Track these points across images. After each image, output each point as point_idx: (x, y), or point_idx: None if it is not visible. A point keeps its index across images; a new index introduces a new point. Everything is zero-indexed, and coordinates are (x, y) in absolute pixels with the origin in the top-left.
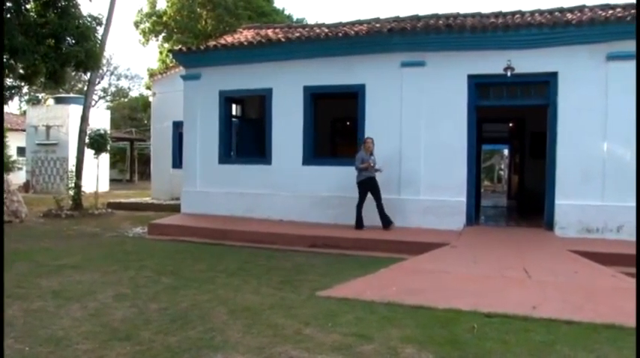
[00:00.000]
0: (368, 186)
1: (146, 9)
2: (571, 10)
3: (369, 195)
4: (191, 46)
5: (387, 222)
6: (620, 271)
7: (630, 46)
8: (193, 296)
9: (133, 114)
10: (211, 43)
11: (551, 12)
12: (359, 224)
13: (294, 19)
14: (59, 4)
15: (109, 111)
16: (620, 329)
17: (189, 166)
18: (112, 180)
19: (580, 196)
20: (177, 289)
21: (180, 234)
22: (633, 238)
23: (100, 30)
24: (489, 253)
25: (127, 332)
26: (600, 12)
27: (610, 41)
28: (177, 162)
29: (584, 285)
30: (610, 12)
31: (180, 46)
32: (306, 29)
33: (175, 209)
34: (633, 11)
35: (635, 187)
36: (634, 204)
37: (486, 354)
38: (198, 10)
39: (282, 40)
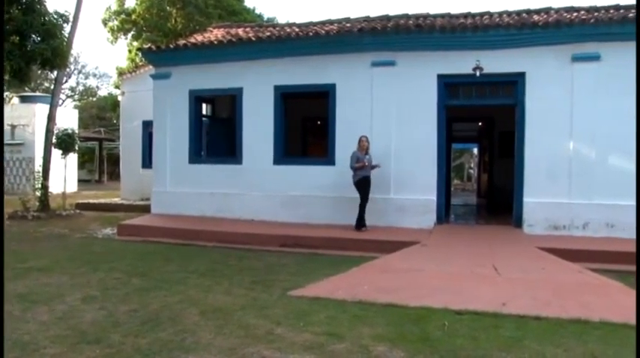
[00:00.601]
0: (364, 185)
1: (114, 6)
2: (537, 12)
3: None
4: (161, 44)
5: (361, 224)
6: (586, 267)
7: (594, 47)
8: (164, 297)
9: (101, 114)
10: (181, 41)
11: (518, 13)
12: (361, 223)
13: (265, 19)
14: (24, 0)
15: (76, 111)
16: (585, 324)
17: (159, 166)
18: (81, 181)
19: (547, 194)
20: (148, 290)
21: (150, 235)
22: (598, 235)
23: (67, 27)
24: (460, 251)
25: (96, 335)
26: (565, 14)
27: (575, 43)
28: (147, 162)
29: (552, 281)
30: (574, 14)
31: (149, 45)
32: (277, 28)
33: (145, 209)
34: (596, 14)
35: (636, 187)
36: (599, 201)
37: (457, 351)
38: (168, 8)
39: (253, 39)
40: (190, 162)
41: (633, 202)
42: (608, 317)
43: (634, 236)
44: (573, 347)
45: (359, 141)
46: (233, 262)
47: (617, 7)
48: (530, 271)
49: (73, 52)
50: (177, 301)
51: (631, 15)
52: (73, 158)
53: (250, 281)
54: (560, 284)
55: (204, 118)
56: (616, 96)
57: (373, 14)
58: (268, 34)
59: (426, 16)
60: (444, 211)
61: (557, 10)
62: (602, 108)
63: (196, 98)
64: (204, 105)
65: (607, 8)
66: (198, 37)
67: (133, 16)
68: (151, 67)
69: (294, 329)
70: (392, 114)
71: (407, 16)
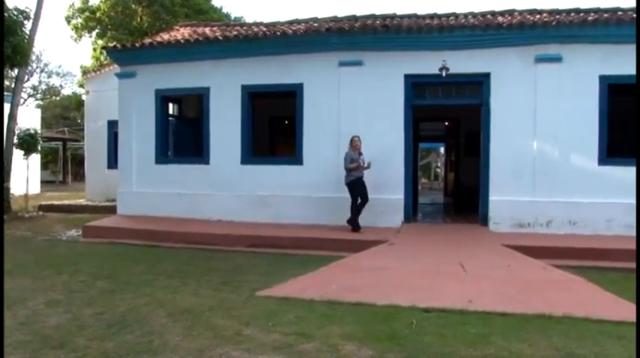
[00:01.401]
0: (358, 186)
1: (78, 4)
2: (502, 13)
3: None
4: (126, 43)
5: (355, 225)
6: (550, 263)
7: (556, 49)
8: (130, 299)
9: (65, 113)
10: (147, 40)
11: (483, 15)
12: (355, 225)
13: (232, 18)
14: None
15: (39, 110)
16: (549, 319)
17: (125, 166)
18: (44, 182)
19: (512, 192)
20: (114, 293)
21: (116, 237)
22: (561, 232)
23: (28, 24)
24: (427, 249)
25: (61, 339)
26: (528, 16)
27: (538, 44)
28: (113, 162)
29: (517, 278)
30: (537, 16)
31: (114, 43)
32: (244, 28)
33: (111, 210)
34: (558, 16)
35: (636, 187)
36: (562, 199)
37: (425, 348)
38: (134, 6)
39: (220, 38)
40: (157, 162)
41: (594, 199)
42: (570, 311)
43: (594, 232)
44: (538, 341)
45: (351, 141)
46: (201, 263)
47: (577, 11)
48: (496, 268)
49: (35, 49)
50: (144, 303)
51: (590, 18)
52: (35, 158)
53: (218, 282)
54: (525, 280)
55: (170, 118)
56: (577, 96)
57: (340, 14)
58: (235, 33)
59: (392, 17)
60: (412, 210)
61: (521, 12)
62: (564, 108)
63: (163, 97)
64: (170, 105)
65: (568, 11)
66: (165, 36)
67: (98, 14)
68: (116, 65)
69: (262, 329)
70: (359, 114)
71: (374, 17)
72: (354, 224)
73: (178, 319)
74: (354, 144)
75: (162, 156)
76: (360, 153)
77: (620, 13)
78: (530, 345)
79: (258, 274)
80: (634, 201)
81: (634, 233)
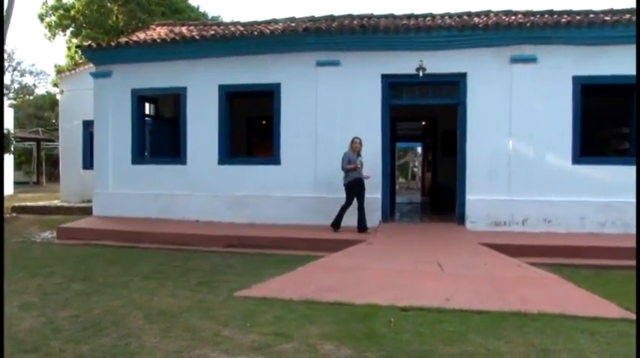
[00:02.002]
0: (356, 188)
1: (51, 1)
2: (478, 14)
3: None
4: (101, 42)
5: (363, 226)
6: (526, 261)
7: (530, 50)
8: (107, 301)
9: (39, 113)
10: (123, 39)
11: (459, 15)
12: (336, 224)
13: (209, 17)
14: None
15: (12, 110)
16: (525, 316)
17: (100, 167)
18: (17, 183)
19: (488, 191)
20: (90, 295)
21: (92, 238)
22: (536, 230)
23: None
24: (405, 248)
25: (35, 343)
26: (504, 17)
27: (513, 45)
28: (89, 162)
29: (494, 276)
30: (513, 18)
31: (89, 42)
32: (221, 27)
33: (87, 212)
34: (532, 18)
35: (635, 187)
36: (537, 198)
37: (403, 347)
38: (109, 4)
39: (197, 37)
40: (133, 162)
41: (568, 198)
42: (545, 308)
43: (568, 230)
44: (514, 338)
45: (351, 142)
46: (178, 264)
47: (551, 12)
48: (473, 266)
49: (7, 47)
50: (120, 305)
51: (563, 20)
52: (8, 159)
53: (196, 282)
54: (502, 278)
55: (147, 118)
56: (551, 97)
57: (318, 14)
58: (212, 32)
59: (370, 17)
60: (389, 209)
61: (497, 14)
62: (538, 108)
63: (139, 97)
64: (147, 105)
65: (542, 13)
66: (141, 35)
67: (72, 12)
68: (91, 64)
69: (241, 330)
70: (337, 114)
71: (351, 17)
72: (335, 222)
73: (155, 321)
74: (354, 145)
75: (139, 156)
76: (359, 155)
77: (591, 15)
78: (506, 342)
79: (236, 274)
80: (606, 199)
81: (606, 230)
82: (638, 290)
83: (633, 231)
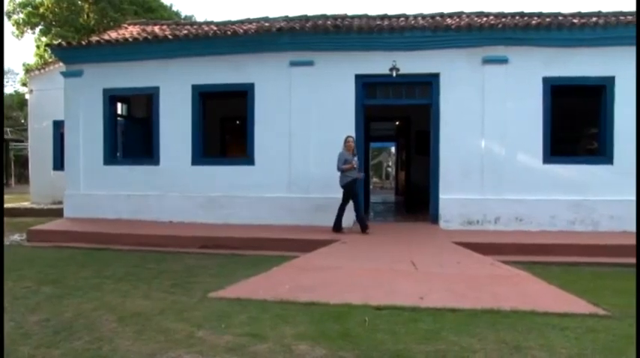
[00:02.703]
0: (352, 188)
1: None
2: (450, 15)
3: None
4: (72, 40)
5: (337, 226)
6: (498, 259)
7: (502, 51)
8: (78, 304)
9: (7, 113)
10: (94, 38)
11: (432, 16)
12: (337, 226)
13: (182, 16)
14: None
15: None
16: (497, 313)
17: (72, 168)
18: None
19: (461, 191)
20: (61, 298)
21: (63, 240)
22: (508, 228)
23: None
24: (379, 248)
25: (4, 349)
26: (476, 18)
27: (485, 46)
28: (59, 163)
29: (467, 274)
30: (484, 19)
31: (59, 41)
32: (194, 27)
33: (57, 213)
34: (504, 19)
35: (635, 187)
36: (509, 197)
37: (378, 346)
38: (80, 2)
39: (170, 37)
40: (105, 163)
41: (539, 197)
42: (517, 305)
43: (540, 228)
44: (487, 335)
45: (345, 141)
46: (151, 265)
47: (522, 14)
48: (447, 265)
49: None
50: (92, 308)
51: (534, 22)
52: None
53: (170, 284)
54: (475, 276)
55: (119, 118)
56: (522, 97)
57: (292, 14)
58: (185, 32)
59: (344, 17)
60: (363, 209)
61: (469, 15)
62: (510, 108)
63: (111, 97)
64: (119, 105)
65: (513, 15)
66: (112, 34)
67: (41, 10)
68: (61, 64)
69: (215, 331)
70: (311, 114)
71: (325, 17)
72: (336, 224)
73: (128, 323)
74: (348, 144)
75: (111, 157)
76: (355, 155)
77: (560, 18)
78: (479, 339)
79: (210, 275)
80: (576, 197)
81: (575, 228)
82: (638, 290)
83: (601, 228)
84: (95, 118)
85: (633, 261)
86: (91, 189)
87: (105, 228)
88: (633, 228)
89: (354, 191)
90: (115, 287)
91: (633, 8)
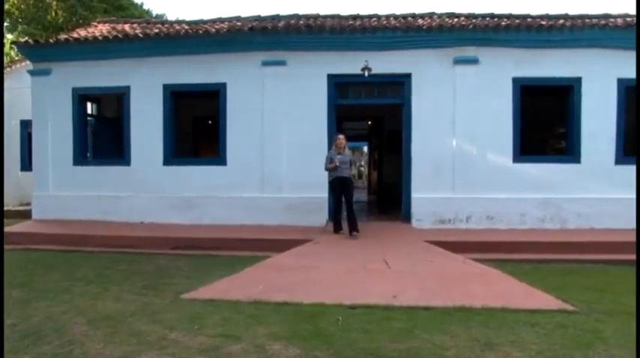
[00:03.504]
0: (337, 187)
1: None
2: (422, 16)
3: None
4: (39, 38)
5: (335, 226)
6: (470, 257)
7: (472, 51)
8: (47, 308)
9: None
10: (62, 36)
11: (404, 17)
12: (336, 227)
13: (153, 15)
14: None
15: None
16: (469, 311)
17: (40, 169)
18: None
19: (433, 189)
20: (29, 302)
21: (31, 243)
22: (480, 227)
23: None
24: (352, 247)
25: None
26: (447, 19)
27: (456, 47)
28: (27, 164)
29: (439, 273)
30: (455, 20)
31: (26, 39)
32: (166, 25)
33: (25, 215)
34: (475, 20)
35: (636, 186)
36: (480, 195)
37: (351, 345)
38: None
39: (140, 36)
40: (75, 163)
41: (509, 195)
42: (488, 303)
43: (510, 226)
44: (459, 333)
45: (335, 139)
46: (123, 267)
47: (492, 16)
48: (419, 264)
49: None
50: (62, 311)
51: (503, 23)
52: None
53: (141, 286)
54: (447, 274)
55: (89, 118)
56: (493, 97)
57: (264, 14)
58: (157, 31)
59: (316, 17)
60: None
61: (440, 15)
62: (481, 108)
63: (80, 96)
64: (89, 104)
65: (484, 16)
66: (82, 32)
67: (7, 6)
68: (28, 62)
69: (188, 333)
70: (283, 114)
71: (297, 16)
72: (334, 224)
73: (99, 326)
74: (338, 143)
75: (81, 157)
76: (339, 154)
77: (529, 19)
78: (452, 337)
79: (183, 276)
80: (544, 196)
81: (545, 226)
82: (638, 290)
83: (570, 225)
84: (64, 118)
85: (600, 257)
86: (61, 190)
87: (75, 230)
88: (599, 225)
89: (343, 190)
90: (86, 290)
91: (598, 12)
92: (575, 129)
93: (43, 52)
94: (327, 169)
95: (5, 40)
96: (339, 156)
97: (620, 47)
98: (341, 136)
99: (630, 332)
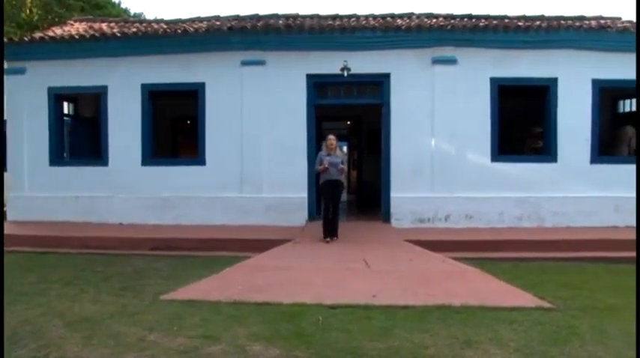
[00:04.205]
0: (325, 190)
1: None
2: (401, 16)
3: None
4: (13, 36)
5: (324, 233)
6: (449, 256)
7: (451, 52)
8: (23, 311)
9: None
10: (38, 34)
11: (383, 17)
12: (324, 233)
13: (131, 14)
14: None
15: None
16: (448, 309)
17: (15, 169)
18: None
19: (412, 189)
20: (5, 305)
21: (7, 244)
22: (459, 225)
23: None
24: (331, 247)
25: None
26: (426, 20)
27: (434, 47)
28: (2, 164)
29: (419, 271)
30: (434, 20)
31: None
32: (144, 25)
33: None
34: (453, 21)
35: (636, 186)
36: (459, 194)
37: (331, 344)
38: None
39: (118, 35)
40: (51, 164)
41: (487, 194)
42: (467, 301)
43: (489, 225)
44: (438, 331)
45: (325, 139)
46: (101, 268)
47: (470, 17)
48: (399, 263)
49: None
50: (38, 314)
51: (481, 24)
52: None
53: (120, 287)
54: (426, 273)
55: (66, 117)
56: (471, 97)
57: (243, 13)
58: (135, 30)
59: (295, 17)
60: (316, 208)
61: (419, 16)
62: (459, 108)
63: (56, 96)
64: (65, 104)
65: (462, 17)
66: (58, 31)
67: None
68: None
69: (167, 334)
70: (262, 114)
71: (277, 16)
72: (323, 231)
73: (77, 328)
74: (328, 144)
75: (58, 157)
76: (329, 155)
77: (507, 20)
78: (431, 335)
79: (162, 277)
80: (522, 194)
81: (523, 224)
82: (638, 290)
83: (547, 223)
84: (40, 118)
85: (576, 255)
86: (37, 191)
87: (51, 231)
88: (576, 223)
89: (330, 193)
90: (63, 292)
91: (574, 14)
92: (551, 129)
93: (18, 50)
94: (316, 171)
95: None
96: (328, 158)
97: (594, 48)
98: (331, 136)
99: (605, 328)
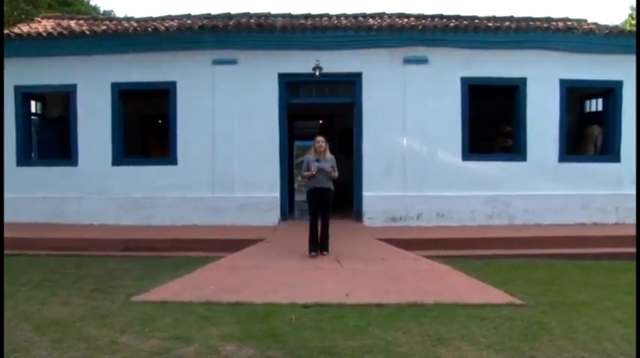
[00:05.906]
0: (313, 199)
1: None
2: (372, 16)
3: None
4: None
5: (324, 247)
6: (421, 254)
7: (422, 51)
8: None
9: None
10: (4, 31)
11: (355, 17)
12: (310, 247)
13: (101, 11)
14: None
15: None
16: (421, 307)
17: None
18: None
19: (384, 188)
20: None
21: None
22: (430, 224)
23: None
24: (304, 246)
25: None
26: (397, 20)
27: (406, 46)
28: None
29: (391, 270)
30: (405, 20)
31: None
32: (114, 22)
33: None
34: (424, 21)
35: (636, 186)
36: (430, 193)
37: (305, 343)
38: None
39: (87, 32)
40: (19, 164)
41: (459, 193)
42: (440, 299)
43: (460, 223)
44: (411, 329)
45: (313, 142)
46: (70, 270)
47: (441, 17)
48: (372, 262)
49: None
50: (6, 318)
51: (452, 24)
52: None
53: (90, 289)
54: (399, 272)
55: (33, 117)
56: (442, 96)
57: (215, 12)
58: (104, 27)
59: (267, 16)
60: (288, 208)
61: (390, 16)
62: (430, 107)
63: (23, 95)
64: (33, 103)
65: (433, 17)
66: (24, 28)
67: None
68: None
69: (139, 336)
70: (234, 113)
71: (248, 15)
72: (309, 244)
73: (46, 332)
74: (316, 147)
75: (25, 157)
76: (318, 160)
77: (476, 21)
78: (404, 333)
79: (133, 278)
80: (493, 193)
81: (493, 222)
82: (638, 289)
83: (517, 221)
84: (7, 117)
85: (545, 251)
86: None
87: (19, 233)
88: (545, 221)
89: (316, 203)
90: (31, 295)
91: (542, 15)
92: (521, 128)
93: None
94: (302, 178)
95: None
96: (317, 163)
97: (561, 49)
98: (320, 138)
99: (573, 323)
